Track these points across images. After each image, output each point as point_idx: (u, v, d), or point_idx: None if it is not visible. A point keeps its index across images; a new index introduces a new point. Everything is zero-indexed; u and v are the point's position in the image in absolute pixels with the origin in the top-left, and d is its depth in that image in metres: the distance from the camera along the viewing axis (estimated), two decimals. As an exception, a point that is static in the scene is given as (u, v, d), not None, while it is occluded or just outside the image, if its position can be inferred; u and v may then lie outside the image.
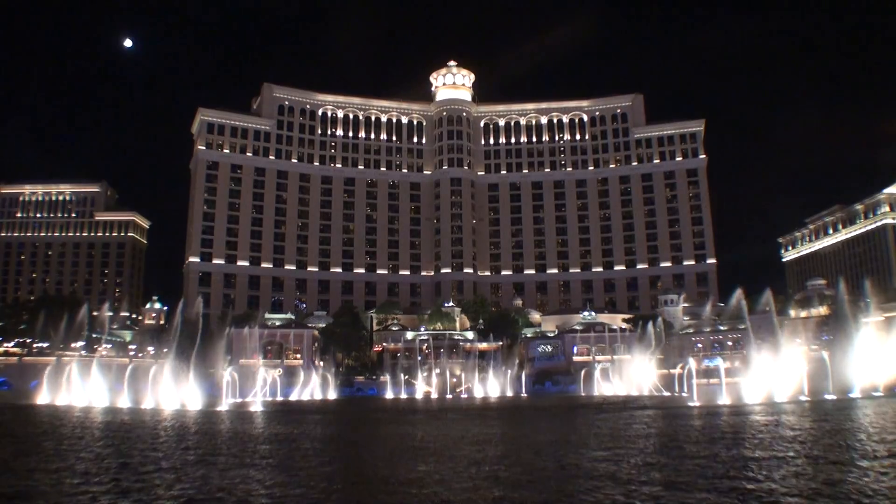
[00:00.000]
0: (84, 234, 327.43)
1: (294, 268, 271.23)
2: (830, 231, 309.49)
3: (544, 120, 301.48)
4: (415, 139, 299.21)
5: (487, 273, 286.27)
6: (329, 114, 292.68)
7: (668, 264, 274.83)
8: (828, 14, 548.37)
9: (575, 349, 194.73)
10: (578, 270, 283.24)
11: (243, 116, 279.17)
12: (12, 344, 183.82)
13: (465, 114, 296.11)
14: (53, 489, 28.92)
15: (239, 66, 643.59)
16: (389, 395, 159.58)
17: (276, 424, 65.97)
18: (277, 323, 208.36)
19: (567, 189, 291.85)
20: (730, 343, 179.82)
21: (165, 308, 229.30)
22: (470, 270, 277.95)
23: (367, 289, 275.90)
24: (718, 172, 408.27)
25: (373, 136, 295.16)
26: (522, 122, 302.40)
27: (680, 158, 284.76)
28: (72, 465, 35.98)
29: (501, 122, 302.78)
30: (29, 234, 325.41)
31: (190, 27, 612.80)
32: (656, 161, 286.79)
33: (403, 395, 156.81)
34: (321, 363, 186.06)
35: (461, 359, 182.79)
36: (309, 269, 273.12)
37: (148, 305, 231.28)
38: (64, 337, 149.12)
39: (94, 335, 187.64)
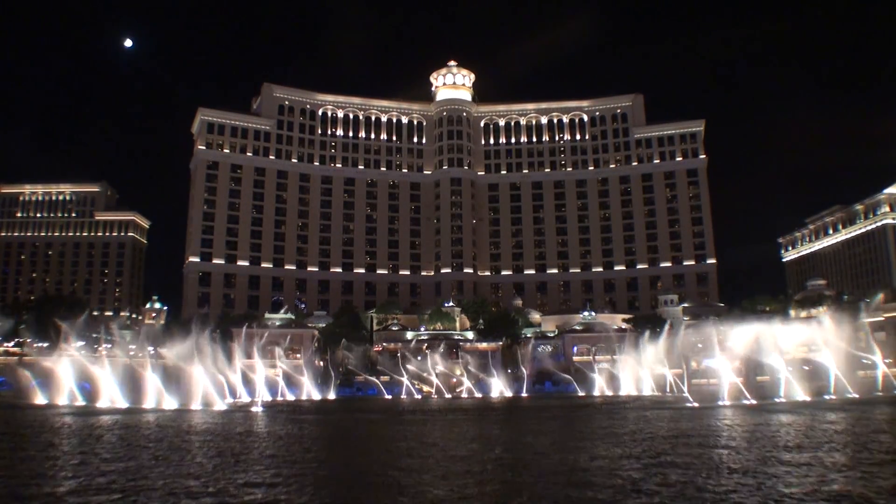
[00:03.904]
0: (84, 234, 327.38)
1: (294, 268, 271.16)
2: (830, 231, 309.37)
3: (544, 120, 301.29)
4: (415, 139, 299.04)
5: (487, 273, 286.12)
6: (329, 114, 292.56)
7: (668, 264, 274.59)
8: (828, 14, 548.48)
9: (575, 349, 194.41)
10: (578, 270, 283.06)
11: (243, 116, 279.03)
12: (12, 344, 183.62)
13: (465, 114, 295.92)
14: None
15: (239, 66, 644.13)
16: (389, 395, 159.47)
17: (275, 424, 65.91)
18: (277, 323, 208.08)
19: (567, 189, 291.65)
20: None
21: (166, 308, 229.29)
22: (470, 270, 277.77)
23: (367, 289, 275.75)
24: (718, 172, 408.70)
25: (373, 136, 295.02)
26: (522, 122, 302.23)
27: (680, 158, 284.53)
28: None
29: (501, 122, 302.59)
30: (29, 234, 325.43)
31: (190, 27, 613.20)
32: (656, 161, 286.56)
33: (403, 395, 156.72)
34: (321, 363, 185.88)
35: (461, 359, 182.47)
36: (309, 269, 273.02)
37: (148, 305, 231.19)
38: (64, 337, 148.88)
39: (95, 335, 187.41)
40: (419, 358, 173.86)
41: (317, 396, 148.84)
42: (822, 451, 38.57)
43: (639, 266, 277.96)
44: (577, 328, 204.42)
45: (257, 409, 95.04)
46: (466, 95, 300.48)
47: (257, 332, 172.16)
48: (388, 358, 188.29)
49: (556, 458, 38.68)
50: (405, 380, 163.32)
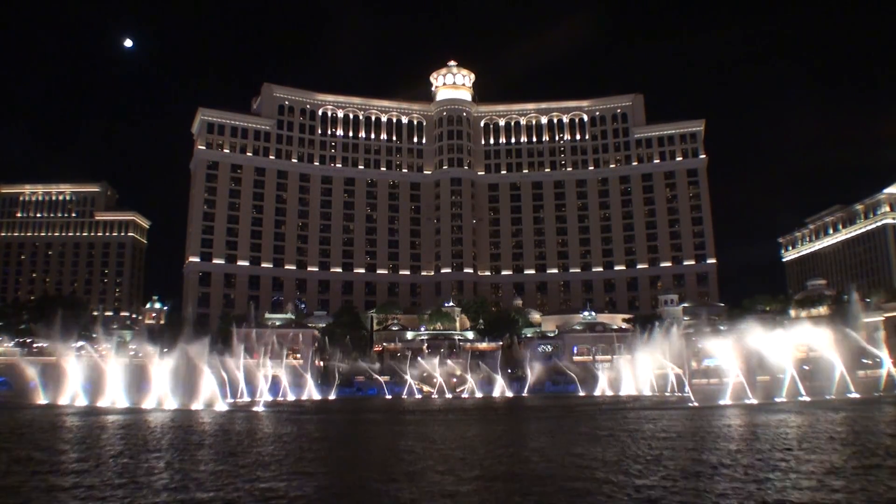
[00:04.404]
0: (84, 234, 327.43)
1: (294, 268, 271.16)
2: (830, 231, 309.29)
3: (544, 120, 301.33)
4: (415, 139, 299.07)
5: (487, 273, 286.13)
6: (329, 114, 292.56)
7: (668, 264, 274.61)
8: (828, 14, 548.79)
9: (575, 349, 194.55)
10: (578, 270, 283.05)
11: (243, 116, 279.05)
12: (12, 344, 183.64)
13: (465, 114, 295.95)
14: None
15: (239, 66, 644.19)
16: (390, 395, 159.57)
17: (279, 424, 65.96)
18: (277, 323, 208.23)
19: (567, 189, 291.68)
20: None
21: (165, 308, 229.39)
22: (470, 270, 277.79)
23: (367, 289, 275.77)
24: (718, 172, 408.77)
25: (373, 136, 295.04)
26: (522, 122, 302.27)
27: (680, 158, 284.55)
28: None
29: (501, 122, 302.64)
30: (29, 234, 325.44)
31: (190, 27, 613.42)
32: (656, 161, 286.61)
33: (404, 395, 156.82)
34: (321, 363, 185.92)
35: (461, 359, 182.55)
36: (309, 269, 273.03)
37: (148, 305, 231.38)
38: (64, 336, 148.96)
39: (94, 335, 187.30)
40: (419, 358, 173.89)
41: (317, 396, 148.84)
42: (823, 452, 38.57)
43: (639, 266, 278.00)
44: (577, 328, 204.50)
45: (258, 408, 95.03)
46: (466, 95, 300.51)
47: (258, 332, 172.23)
48: (389, 358, 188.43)
49: (554, 458, 38.66)
50: (408, 379, 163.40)
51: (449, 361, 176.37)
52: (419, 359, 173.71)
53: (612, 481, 29.32)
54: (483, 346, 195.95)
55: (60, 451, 42.51)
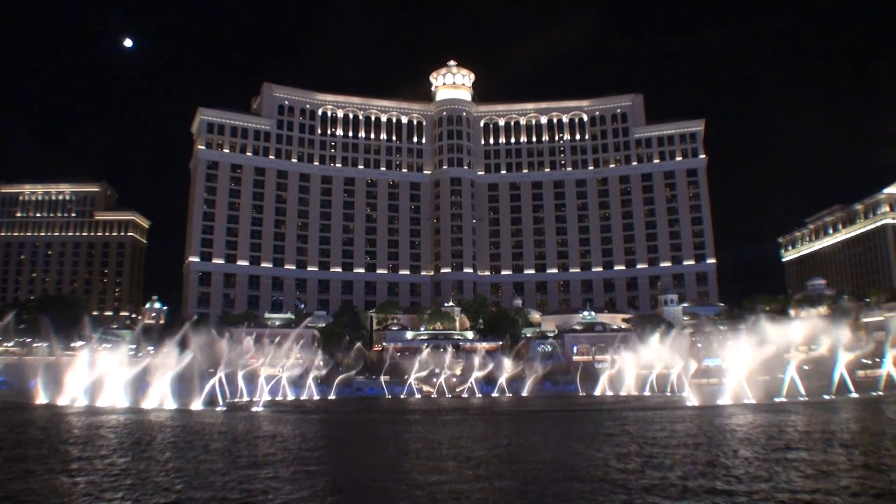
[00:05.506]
0: (84, 234, 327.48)
1: (294, 268, 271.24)
2: (830, 231, 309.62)
3: (544, 120, 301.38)
4: (415, 139, 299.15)
5: (487, 273, 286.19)
6: (329, 114, 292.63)
7: (668, 264, 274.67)
8: (828, 14, 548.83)
9: (575, 349, 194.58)
10: (578, 270, 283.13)
11: (243, 116, 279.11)
12: (12, 343, 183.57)
13: (465, 114, 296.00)
14: None
15: (239, 66, 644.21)
16: (389, 395, 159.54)
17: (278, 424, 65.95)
18: (277, 323, 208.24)
19: (567, 189, 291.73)
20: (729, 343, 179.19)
21: (165, 308, 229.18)
22: (470, 270, 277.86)
23: (367, 289, 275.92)
24: (718, 172, 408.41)
25: (373, 136, 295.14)
26: (522, 122, 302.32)
27: (680, 158, 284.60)
28: None
29: (501, 122, 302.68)
30: (29, 234, 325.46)
31: (190, 27, 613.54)
32: (656, 161, 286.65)
33: (404, 395, 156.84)
34: (321, 363, 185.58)
35: (461, 359, 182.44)
36: (309, 269, 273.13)
37: (148, 305, 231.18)
38: (63, 336, 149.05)
39: (94, 335, 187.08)
40: (418, 358, 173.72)
41: (317, 396, 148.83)
42: (824, 452, 38.62)
43: (639, 266, 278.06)
44: (577, 328, 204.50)
45: (258, 408, 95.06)
46: (466, 95, 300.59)
47: (257, 332, 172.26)
48: (389, 358, 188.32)
49: (551, 458, 38.70)
50: (408, 379, 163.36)
51: (461, 371, 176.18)
52: (419, 359, 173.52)
53: (612, 480, 29.34)
54: (483, 345, 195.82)
55: (65, 450, 42.54)
